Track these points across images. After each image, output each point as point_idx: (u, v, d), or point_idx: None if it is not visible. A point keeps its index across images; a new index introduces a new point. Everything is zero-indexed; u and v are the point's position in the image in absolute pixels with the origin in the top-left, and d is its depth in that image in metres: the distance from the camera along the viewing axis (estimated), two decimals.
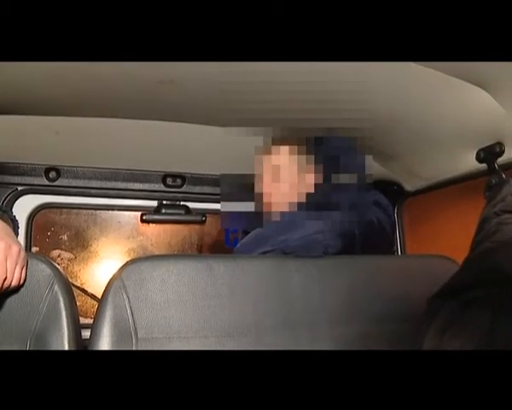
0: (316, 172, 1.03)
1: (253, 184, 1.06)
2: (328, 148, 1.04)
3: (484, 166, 1.09)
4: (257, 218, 1.03)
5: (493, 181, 1.06)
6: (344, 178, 1.01)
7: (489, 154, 1.05)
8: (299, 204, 1.02)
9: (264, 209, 1.04)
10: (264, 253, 0.95)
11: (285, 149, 1.06)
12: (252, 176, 1.07)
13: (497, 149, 1.02)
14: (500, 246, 0.58)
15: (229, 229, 1.57)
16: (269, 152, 1.07)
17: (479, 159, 1.09)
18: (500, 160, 1.04)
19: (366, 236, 1.00)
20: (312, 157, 1.04)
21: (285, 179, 1.05)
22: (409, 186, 1.43)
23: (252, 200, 1.05)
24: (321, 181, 1.02)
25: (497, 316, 0.50)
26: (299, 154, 1.05)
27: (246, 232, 1.04)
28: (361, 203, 1.00)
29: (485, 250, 0.60)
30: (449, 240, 1.36)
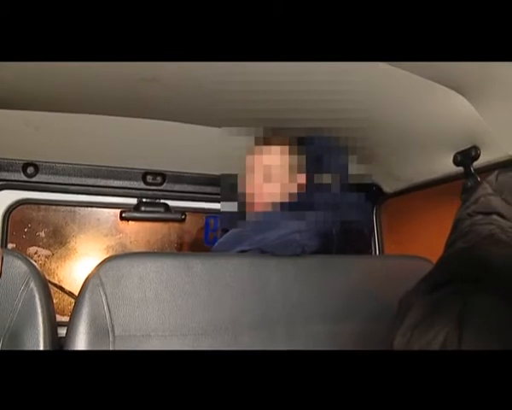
0: (301, 172, 1.04)
1: (235, 184, 1.06)
2: (311, 148, 1.05)
3: (461, 169, 1.11)
4: (240, 217, 1.04)
5: (469, 184, 1.07)
6: (326, 179, 1.02)
7: (465, 157, 1.07)
8: (282, 204, 1.03)
9: (248, 209, 1.04)
10: (242, 252, 0.95)
11: (275, 148, 1.06)
12: (234, 176, 1.07)
13: (473, 153, 1.04)
14: (472, 246, 0.60)
15: (208, 227, 1.58)
16: (254, 152, 1.07)
17: (456, 162, 1.10)
18: (476, 163, 1.06)
19: (343, 236, 1.01)
20: (304, 157, 1.04)
21: (274, 180, 1.05)
22: (388, 188, 1.45)
23: (235, 200, 1.05)
24: (305, 181, 1.03)
25: (465, 309, 0.51)
26: (286, 154, 1.05)
27: (225, 231, 1.04)
28: (343, 204, 1.01)
29: (459, 250, 0.61)
30: (426, 241, 1.38)
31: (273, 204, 1.03)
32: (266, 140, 1.08)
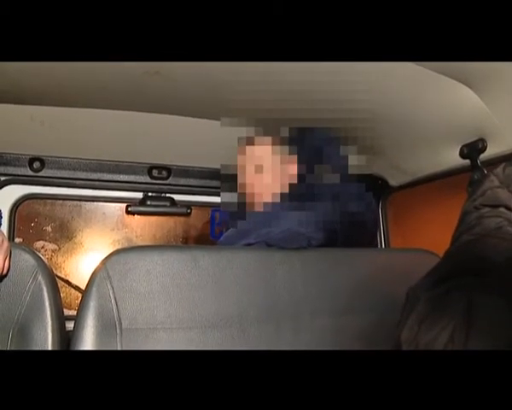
0: (299, 163, 1.04)
1: (235, 174, 1.07)
2: (311, 139, 1.05)
3: (467, 162, 1.10)
4: (240, 209, 1.04)
5: (476, 177, 1.07)
6: (326, 170, 1.02)
7: (472, 150, 1.07)
8: (282, 195, 1.03)
9: (247, 200, 1.05)
10: (248, 245, 0.96)
11: (268, 139, 1.07)
12: (235, 167, 1.08)
13: (480, 146, 1.04)
14: (478, 239, 0.60)
15: (214, 221, 1.58)
16: (252, 143, 1.08)
17: (462, 155, 1.10)
18: (482, 156, 1.05)
19: (348, 229, 1.01)
20: (295, 148, 1.04)
21: (267, 170, 1.05)
22: (393, 181, 1.44)
23: (235, 190, 1.06)
24: (304, 172, 1.03)
25: (472, 303, 0.51)
26: (281, 144, 1.06)
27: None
28: (343, 195, 1.01)
29: (465, 243, 0.61)
30: (432, 234, 1.38)
31: (273, 195, 1.03)
32: (257, 140, 1.08)
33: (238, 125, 1.06)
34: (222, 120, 1.09)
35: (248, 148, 1.08)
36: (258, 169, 1.06)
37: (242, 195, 1.05)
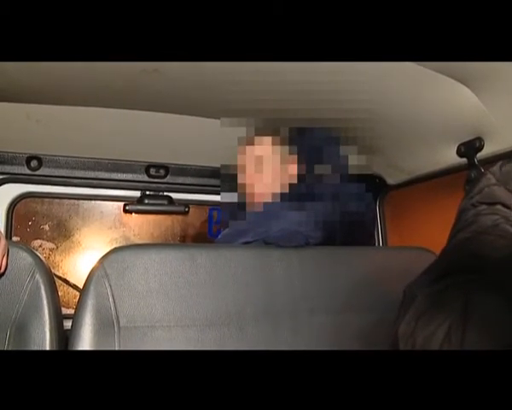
0: (298, 163, 1.04)
1: (235, 174, 1.07)
2: (310, 139, 1.05)
3: (464, 160, 1.10)
4: (240, 208, 1.04)
5: (473, 175, 1.07)
6: (326, 170, 1.02)
7: (469, 148, 1.07)
8: (282, 195, 1.03)
9: (248, 200, 1.05)
10: (246, 243, 0.96)
11: (268, 139, 1.07)
12: (235, 167, 1.08)
13: (477, 144, 1.04)
14: (475, 236, 0.60)
15: (212, 220, 1.58)
16: (252, 142, 1.08)
17: (459, 153, 1.10)
18: (480, 154, 1.05)
19: (347, 228, 1.01)
20: (295, 148, 1.05)
21: (268, 170, 1.05)
22: (391, 180, 1.44)
23: (235, 190, 1.06)
24: (303, 172, 1.03)
25: (469, 301, 0.51)
26: (281, 144, 1.06)
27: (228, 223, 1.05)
28: (343, 195, 1.01)
29: (462, 240, 0.62)
30: (430, 233, 1.38)
31: (273, 195, 1.04)
32: (257, 140, 1.08)
33: (238, 125, 1.06)
34: (222, 120, 1.10)
35: (248, 148, 1.08)
36: (259, 169, 1.06)
37: (242, 195, 1.06)
